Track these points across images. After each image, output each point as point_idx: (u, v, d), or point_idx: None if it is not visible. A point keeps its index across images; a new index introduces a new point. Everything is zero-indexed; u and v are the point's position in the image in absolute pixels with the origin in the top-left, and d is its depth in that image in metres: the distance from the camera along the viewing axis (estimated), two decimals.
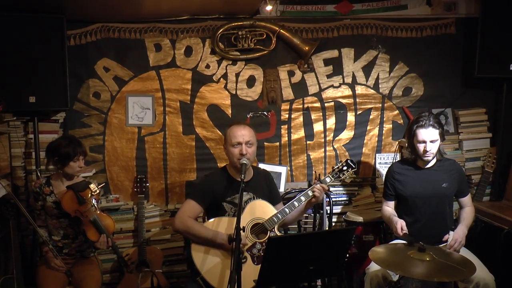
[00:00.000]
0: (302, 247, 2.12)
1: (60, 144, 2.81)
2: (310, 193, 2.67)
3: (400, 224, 2.74)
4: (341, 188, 3.72)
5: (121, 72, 3.62)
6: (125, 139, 3.67)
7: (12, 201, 2.77)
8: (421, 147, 2.80)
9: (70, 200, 2.74)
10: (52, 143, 2.86)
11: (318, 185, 2.68)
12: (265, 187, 2.84)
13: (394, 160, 3.53)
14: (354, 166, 2.81)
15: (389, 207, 3.02)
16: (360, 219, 3.33)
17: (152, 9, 3.39)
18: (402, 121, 3.80)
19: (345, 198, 3.73)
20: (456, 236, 2.72)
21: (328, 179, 2.76)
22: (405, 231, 2.71)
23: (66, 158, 2.78)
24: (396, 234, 2.75)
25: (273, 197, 2.86)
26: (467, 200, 2.97)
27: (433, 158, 2.88)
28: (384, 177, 3.15)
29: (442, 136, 2.83)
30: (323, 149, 3.80)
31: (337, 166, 2.82)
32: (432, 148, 2.79)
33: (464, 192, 2.95)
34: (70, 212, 2.75)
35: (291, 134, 3.77)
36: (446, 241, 2.80)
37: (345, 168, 2.80)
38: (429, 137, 2.77)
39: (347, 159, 2.83)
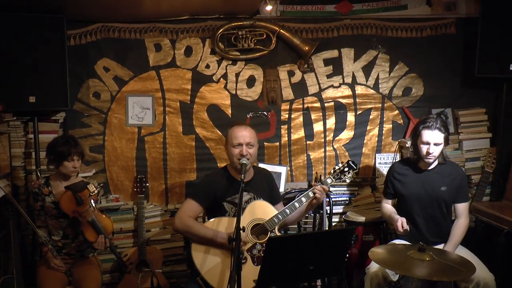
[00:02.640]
0: (302, 247, 2.12)
1: (57, 142, 2.81)
2: (311, 194, 2.67)
3: (401, 221, 2.73)
4: (341, 188, 3.72)
5: (121, 72, 3.61)
6: (125, 139, 3.66)
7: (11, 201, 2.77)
8: (424, 148, 2.80)
9: (68, 201, 2.74)
10: (51, 141, 2.87)
11: (319, 186, 2.68)
12: (266, 186, 2.84)
13: (394, 160, 3.53)
14: (355, 168, 2.81)
15: (389, 205, 3.03)
16: (360, 219, 3.33)
17: (152, 9, 3.39)
18: (402, 121, 3.80)
19: (345, 198, 3.73)
20: None
21: (329, 180, 2.76)
22: (406, 228, 2.71)
23: (60, 157, 2.79)
24: (397, 231, 2.75)
25: (274, 197, 2.86)
26: (462, 209, 2.88)
27: (434, 161, 2.88)
28: (385, 176, 3.15)
29: (447, 140, 2.83)
30: (323, 149, 3.80)
31: (338, 167, 2.82)
32: (435, 151, 2.79)
33: (462, 198, 2.88)
34: (68, 212, 2.75)
35: (291, 134, 3.77)
36: (443, 237, 2.79)
37: (346, 169, 2.80)
38: (433, 140, 2.77)
39: (348, 160, 2.83)
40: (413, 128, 2.98)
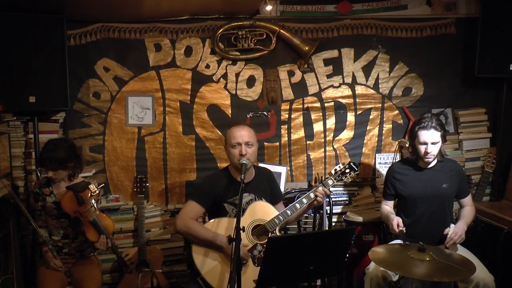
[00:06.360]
0: (302, 247, 2.12)
1: (44, 148, 2.78)
2: (312, 195, 2.68)
3: (397, 221, 2.75)
4: (341, 188, 3.72)
5: (121, 72, 3.61)
6: (125, 139, 3.66)
7: (12, 201, 2.77)
8: (422, 148, 2.81)
9: (70, 201, 2.74)
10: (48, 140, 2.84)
11: (321, 188, 2.68)
12: (267, 186, 2.84)
13: (394, 160, 3.54)
14: (357, 169, 2.81)
15: (387, 206, 3.03)
16: (360, 219, 3.33)
17: (152, 9, 3.39)
18: (402, 121, 3.80)
19: (345, 198, 3.73)
20: (456, 229, 2.73)
21: (330, 181, 2.76)
22: (401, 228, 2.72)
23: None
24: (393, 230, 2.77)
25: (274, 196, 2.87)
26: (467, 200, 2.99)
27: (434, 159, 2.89)
28: (384, 177, 3.15)
29: (444, 138, 2.84)
30: (323, 149, 3.80)
31: (340, 169, 2.81)
32: (433, 150, 2.80)
33: (465, 193, 2.97)
34: (69, 212, 2.75)
35: (291, 134, 3.77)
36: (446, 235, 2.79)
37: (347, 170, 2.80)
38: (430, 139, 2.78)
39: (350, 162, 2.83)
40: (409, 129, 2.99)
